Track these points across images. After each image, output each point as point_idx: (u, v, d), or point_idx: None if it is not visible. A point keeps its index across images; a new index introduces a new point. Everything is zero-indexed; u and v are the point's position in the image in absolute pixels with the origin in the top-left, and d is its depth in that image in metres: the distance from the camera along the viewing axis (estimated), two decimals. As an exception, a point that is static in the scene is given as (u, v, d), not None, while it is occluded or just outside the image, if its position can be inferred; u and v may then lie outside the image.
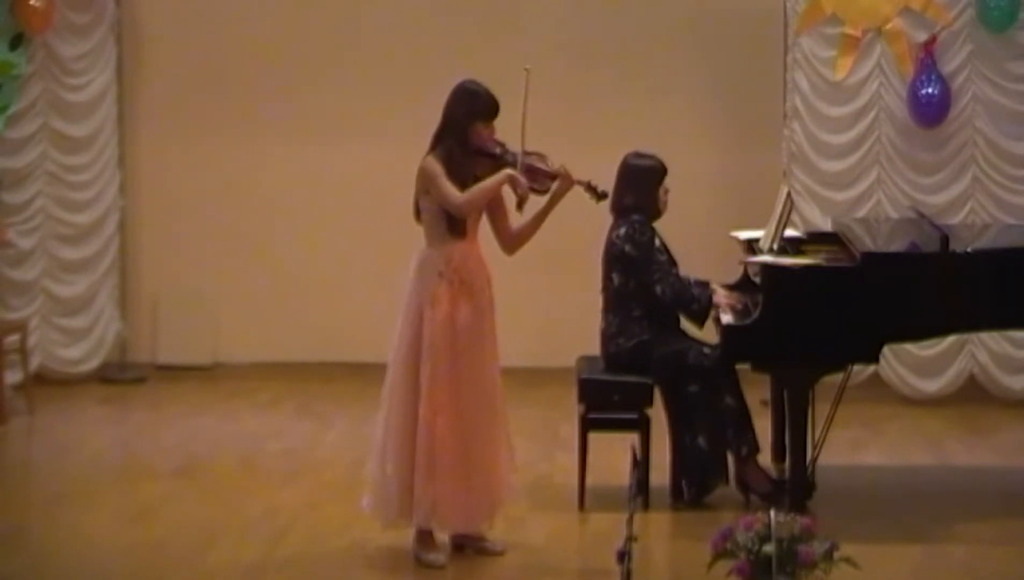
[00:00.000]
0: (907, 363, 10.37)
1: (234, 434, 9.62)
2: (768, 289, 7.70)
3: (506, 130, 7.27)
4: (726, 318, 7.90)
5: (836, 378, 8.10)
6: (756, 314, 7.71)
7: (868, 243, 8.29)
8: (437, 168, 7.11)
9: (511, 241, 7.32)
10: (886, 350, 7.94)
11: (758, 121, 10.72)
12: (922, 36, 10.23)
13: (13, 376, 10.09)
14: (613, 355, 8.11)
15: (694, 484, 8.01)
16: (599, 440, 8.13)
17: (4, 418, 9.80)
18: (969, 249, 7.94)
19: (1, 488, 8.66)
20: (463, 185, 7.13)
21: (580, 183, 7.28)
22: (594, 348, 8.25)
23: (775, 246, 8.06)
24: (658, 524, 7.83)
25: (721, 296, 8.11)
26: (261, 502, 8.14)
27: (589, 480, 8.03)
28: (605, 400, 8.07)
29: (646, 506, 7.84)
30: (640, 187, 8.14)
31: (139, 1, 11.07)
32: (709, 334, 8.17)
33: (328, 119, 10.90)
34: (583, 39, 10.89)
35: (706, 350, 7.99)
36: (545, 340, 10.60)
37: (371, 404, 7.38)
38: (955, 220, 10.10)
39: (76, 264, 10.83)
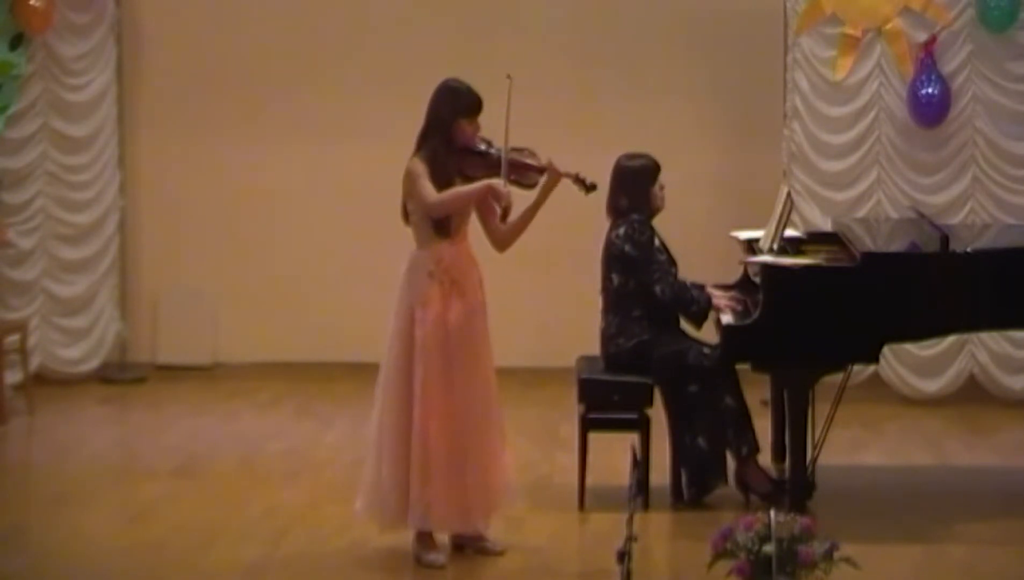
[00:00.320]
0: (907, 363, 10.37)
1: (234, 434, 9.62)
2: (768, 289, 7.70)
3: (499, 132, 7.24)
4: (726, 318, 7.90)
5: (836, 378, 8.10)
6: (756, 314, 7.71)
7: (868, 243, 8.29)
8: (420, 169, 7.10)
9: (502, 239, 7.29)
10: (886, 350, 7.94)
11: (758, 121, 10.72)
12: (922, 36, 10.23)
13: (13, 376, 10.09)
14: (613, 355, 8.11)
15: (694, 484, 8.00)
16: (599, 440, 8.13)
17: (4, 418, 9.81)
18: (969, 249, 7.94)
19: (1, 488, 8.65)
20: (448, 184, 7.12)
21: (568, 175, 7.26)
22: (594, 348, 8.25)
23: (775, 246, 8.06)
24: (658, 524, 7.83)
25: (720, 298, 8.11)
26: (261, 502, 8.14)
27: (589, 480, 8.03)
28: (605, 400, 8.07)
29: (646, 506, 7.84)
30: (634, 188, 8.14)
31: (139, 1, 11.07)
32: (709, 334, 8.17)
33: (328, 119, 10.90)
34: (583, 39, 10.90)
35: (706, 350, 7.99)
36: (545, 340, 10.61)
37: (371, 404, 7.37)
38: (955, 220, 10.10)
39: (76, 264, 10.84)
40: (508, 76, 7.03)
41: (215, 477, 8.69)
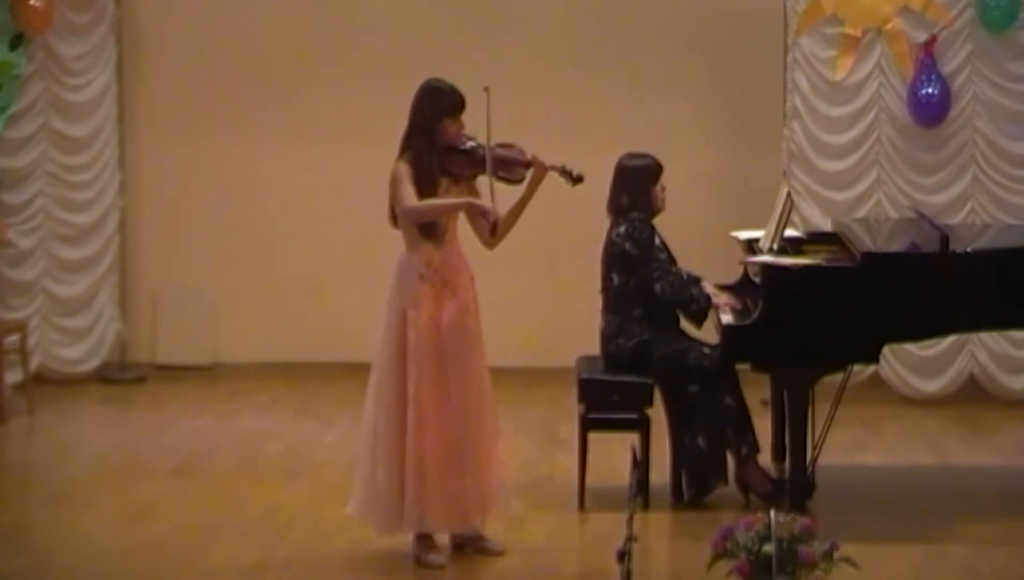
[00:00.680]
0: (907, 363, 10.37)
1: (234, 434, 9.62)
2: (768, 289, 7.70)
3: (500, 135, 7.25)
4: (726, 318, 7.91)
5: (836, 378, 8.10)
6: (756, 314, 7.71)
7: (868, 243, 8.29)
8: (404, 173, 7.09)
9: (491, 236, 7.29)
10: (886, 350, 7.94)
11: (758, 121, 10.72)
12: (922, 36, 10.23)
13: (13, 376, 10.09)
14: (613, 355, 8.11)
15: (694, 484, 8.00)
16: (599, 440, 8.12)
17: (4, 418, 9.81)
18: (969, 249, 7.94)
19: (1, 488, 8.66)
20: (434, 185, 7.11)
21: (554, 168, 7.24)
22: (594, 348, 8.25)
23: (775, 246, 8.06)
24: (658, 524, 7.83)
25: (720, 299, 8.12)
26: (261, 502, 8.14)
27: (589, 480, 8.03)
28: (605, 400, 8.07)
29: (646, 506, 7.84)
30: (635, 187, 8.14)
31: (139, 1, 11.07)
32: (709, 334, 8.17)
33: (328, 119, 10.90)
34: (583, 39, 10.89)
35: (706, 350, 7.99)
36: (545, 340, 10.61)
37: (370, 405, 7.38)
38: (955, 220, 10.10)
39: (76, 264, 10.83)
40: (486, 89, 7.02)
41: (215, 477, 8.69)
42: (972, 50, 10.26)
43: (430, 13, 10.90)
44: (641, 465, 7.74)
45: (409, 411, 7.07)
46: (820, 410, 8.03)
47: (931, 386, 10.42)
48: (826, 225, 9.59)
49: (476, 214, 7.14)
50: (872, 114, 10.38)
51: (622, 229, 8.08)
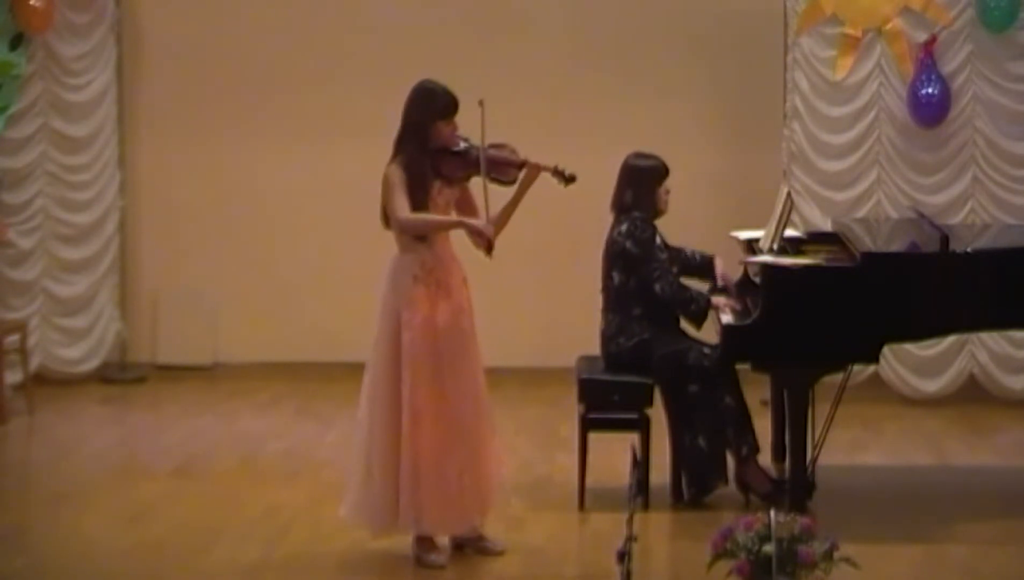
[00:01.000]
0: (907, 363, 10.37)
1: (234, 434, 9.62)
2: (768, 289, 7.70)
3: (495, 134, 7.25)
4: (726, 318, 7.91)
5: (836, 378, 8.10)
6: (756, 314, 7.71)
7: (868, 243, 8.29)
8: (396, 177, 7.08)
9: (487, 255, 7.26)
10: (886, 350, 7.94)
11: (758, 121, 10.72)
12: (922, 36, 10.22)
13: (13, 376, 10.09)
14: (614, 355, 8.11)
15: (694, 484, 8.00)
16: (599, 440, 8.12)
17: (4, 418, 9.81)
18: (969, 249, 7.94)
19: (1, 488, 8.66)
20: (427, 188, 7.11)
21: (546, 169, 7.24)
22: (594, 348, 8.25)
23: (775, 246, 8.06)
24: (658, 524, 7.83)
25: (720, 300, 8.12)
26: (261, 502, 8.14)
27: (589, 480, 8.03)
28: (605, 400, 8.07)
29: (646, 506, 7.84)
30: (640, 187, 8.14)
31: (139, 1, 11.07)
32: (709, 334, 8.17)
33: (328, 119, 10.90)
34: (583, 40, 10.89)
35: (706, 350, 7.99)
36: (545, 340, 10.61)
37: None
38: (955, 220, 10.10)
39: (76, 264, 10.83)
40: (480, 102, 7.02)
41: (215, 477, 8.69)
42: (972, 50, 10.26)
43: (430, 14, 10.90)
44: (641, 465, 7.74)
45: (404, 413, 7.06)
46: (820, 410, 8.03)
47: (931, 386, 10.42)
48: (826, 225, 9.59)
49: (475, 236, 7.13)
50: (872, 114, 10.38)
51: (624, 227, 8.09)
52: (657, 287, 8.01)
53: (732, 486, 8.03)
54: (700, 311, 8.03)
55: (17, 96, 10.42)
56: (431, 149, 7.13)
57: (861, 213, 10.27)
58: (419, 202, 7.10)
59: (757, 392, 8.76)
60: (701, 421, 7.96)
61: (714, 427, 7.96)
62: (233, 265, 11.05)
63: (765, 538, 5.95)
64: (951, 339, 10.02)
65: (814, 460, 8.02)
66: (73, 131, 10.76)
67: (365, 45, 10.91)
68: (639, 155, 8.24)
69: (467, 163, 7.16)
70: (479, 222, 7.12)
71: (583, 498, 8.01)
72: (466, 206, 7.31)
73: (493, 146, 7.19)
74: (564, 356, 8.93)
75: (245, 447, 9.29)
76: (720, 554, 6.06)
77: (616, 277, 8.09)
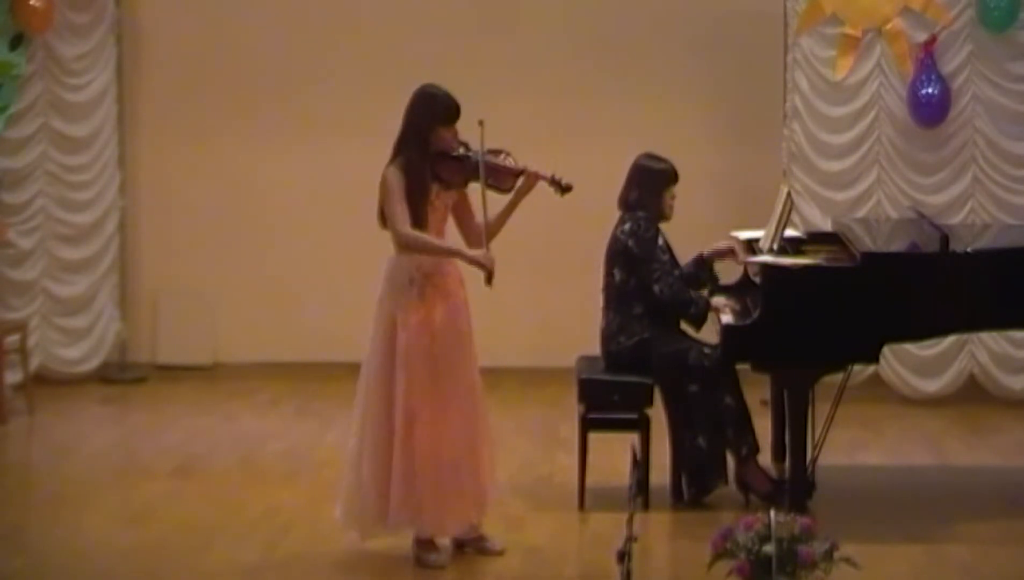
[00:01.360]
0: (907, 363, 10.37)
1: (234, 434, 9.62)
2: (768, 289, 7.70)
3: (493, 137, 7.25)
4: (726, 318, 7.91)
5: (836, 378, 8.10)
6: (756, 314, 7.71)
7: (868, 243, 8.29)
8: (395, 183, 7.08)
9: (478, 240, 7.27)
10: (886, 350, 7.94)
11: (758, 121, 10.72)
12: (922, 36, 10.22)
13: (13, 376, 10.09)
14: (614, 354, 8.10)
15: (694, 484, 8.00)
16: (599, 440, 8.12)
17: (4, 418, 9.81)
18: (969, 249, 7.94)
19: (1, 488, 8.65)
20: (425, 191, 7.10)
21: (543, 177, 7.25)
22: (594, 348, 8.25)
23: (775, 246, 8.06)
24: (658, 524, 7.83)
25: (720, 301, 8.12)
26: (261, 502, 8.14)
27: (589, 480, 8.03)
28: (605, 400, 8.07)
29: (646, 506, 7.84)
30: (646, 188, 8.14)
31: (139, 1, 11.07)
32: (710, 334, 8.17)
33: (328, 119, 10.90)
34: (583, 40, 10.89)
35: (707, 350, 7.98)
36: (545, 340, 10.61)
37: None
38: (955, 220, 10.10)
39: (76, 264, 10.83)
40: (480, 122, 7.03)
41: (215, 477, 8.69)
42: (972, 50, 10.26)
43: (430, 14, 10.89)
44: (641, 465, 7.74)
45: (397, 414, 7.06)
46: (820, 410, 8.03)
47: (931, 386, 10.42)
48: (826, 225, 9.59)
49: (476, 266, 7.12)
50: (872, 114, 10.38)
51: (627, 226, 8.09)
52: (656, 288, 8.01)
53: (732, 486, 8.03)
54: (699, 314, 8.03)
55: (17, 96, 10.42)
56: (431, 153, 7.14)
57: (861, 213, 10.27)
58: (417, 207, 7.10)
59: (757, 392, 8.76)
60: (701, 421, 7.96)
61: (714, 427, 7.96)
62: (233, 265, 11.05)
63: (765, 538, 5.95)
64: (951, 339, 10.02)
65: (814, 460, 8.02)
66: (73, 131, 10.76)
67: (365, 45, 10.91)
68: (650, 156, 8.24)
69: (466, 169, 7.17)
70: (478, 253, 7.13)
71: (583, 498, 8.01)
72: (464, 210, 7.32)
73: (492, 152, 7.20)
74: (564, 356, 8.93)
75: (245, 447, 9.29)
76: (720, 554, 6.06)
77: (618, 275, 8.09)
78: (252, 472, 8.78)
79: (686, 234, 8.51)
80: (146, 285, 11.16)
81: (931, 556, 7.32)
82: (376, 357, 7.16)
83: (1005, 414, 10.07)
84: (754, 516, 6.10)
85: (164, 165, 11.08)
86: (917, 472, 8.89)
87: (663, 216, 8.17)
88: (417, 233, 7.08)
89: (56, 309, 10.80)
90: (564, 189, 7.30)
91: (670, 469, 8.06)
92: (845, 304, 7.62)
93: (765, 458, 8.23)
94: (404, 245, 7.11)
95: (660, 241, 8.10)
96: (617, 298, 8.11)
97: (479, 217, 7.25)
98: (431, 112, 7.17)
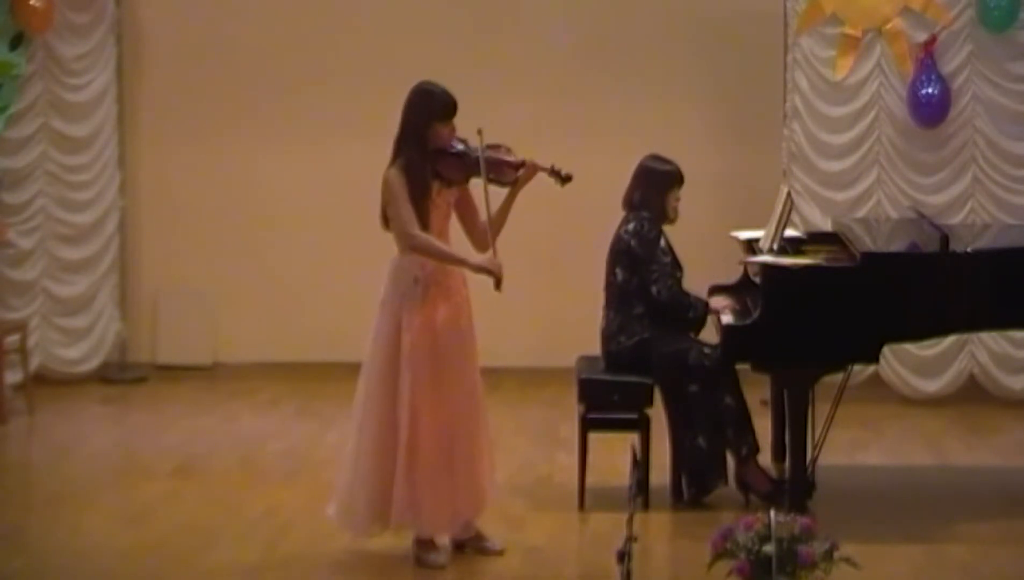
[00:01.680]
0: (907, 363, 10.37)
1: (234, 434, 9.62)
2: (768, 289, 7.70)
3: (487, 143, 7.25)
4: (726, 318, 7.91)
5: (836, 378, 8.10)
6: (756, 314, 7.71)
7: (868, 243, 8.29)
8: (398, 184, 7.06)
9: (482, 239, 7.28)
10: (886, 350, 7.94)
11: (758, 121, 10.72)
12: (922, 36, 10.22)
13: (13, 376, 10.09)
14: (614, 353, 8.10)
15: (694, 484, 8.01)
16: (599, 440, 8.12)
17: (4, 418, 9.81)
18: (969, 249, 7.94)
19: (1, 488, 8.65)
20: (426, 189, 7.10)
21: (543, 169, 7.26)
22: (594, 348, 8.25)
23: (775, 246, 8.06)
24: (658, 524, 7.83)
25: (719, 302, 8.12)
26: (261, 502, 8.14)
27: (589, 480, 8.03)
28: (605, 400, 8.07)
29: (646, 506, 7.84)
30: (649, 188, 8.14)
31: (139, 1, 11.07)
32: (710, 334, 8.17)
33: (328, 119, 10.90)
34: (583, 39, 10.89)
35: (707, 350, 7.98)
36: (545, 340, 10.61)
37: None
38: (955, 220, 10.10)
39: (76, 264, 10.83)
40: (479, 131, 7.03)
41: (215, 477, 8.69)
42: (972, 50, 10.26)
43: (430, 13, 10.89)
44: (641, 465, 7.74)
45: (401, 414, 7.06)
46: (820, 410, 8.03)
47: (931, 386, 10.41)
48: (826, 225, 9.59)
49: (484, 274, 7.11)
50: (872, 114, 10.38)
51: (631, 226, 8.09)
52: (654, 289, 8.01)
53: (732, 486, 8.03)
54: (697, 317, 8.04)
55: (17, 96, 10.42)
56: (430, 151, 7.13)
57: (861, 213, 10.27)
58: (421, 206, 7.10)
59: (757, 392, 8.76)
60: (701, 421, 7.96)
61: (714, 427, 7.96)
62: (233, 265, 11.05)
63: (765, 538, 5.95)
64: (951, 339, 10.02)
65: (814, 460, 8.02)
66: (73, 131, 10.76)
67: (365, 45, 10.91)
68: (656, 158, 8.24)
69: (465, 165, 7.17)
70: (485, 260, 7.13)
71: (583, 498, 8.01)
72: (466, 207, 7.31)
73: (490, 147, 7.20)
74: (564, 356, 8.93)
75: (245, 447, 9.29)
76: (720, 554, 6.06)
77: (619, 274, 8.09)
78: (252, 472, 8.78)
79: (686, 234, 8.51)
80: (146, 285, 11.16)
81: (931, 556, 7.32)
82: (378, 358, 7.15)
83: (1005, 414, 10.07)
84: (754, 516, 6.10)
85: (164, 165, 11.08)
86: (917, 472, 8.89)
87: (666, 218, 8.17)
88: (426, 237, 7.08)
89: (56, 309, 10.80)
90: (564, 179, 7.31)
91: (670, 469, 8.06)
92: (845, 304, 7.62)
93: (765, 458, 8.23)
94: (412, 248, 7.10)
95: (662, 243, 8.10)
96: (618, 297, 8.11)
97: (482, 214, 7.25)
98: (428, 108, 7.17)
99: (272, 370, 10.94)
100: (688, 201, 8.29)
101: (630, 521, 5.63)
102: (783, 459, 8.37)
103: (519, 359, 10.43)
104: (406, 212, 7.06)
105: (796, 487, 7.71)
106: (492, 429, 7.48)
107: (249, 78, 10.97)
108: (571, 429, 8.44)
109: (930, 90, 10.15)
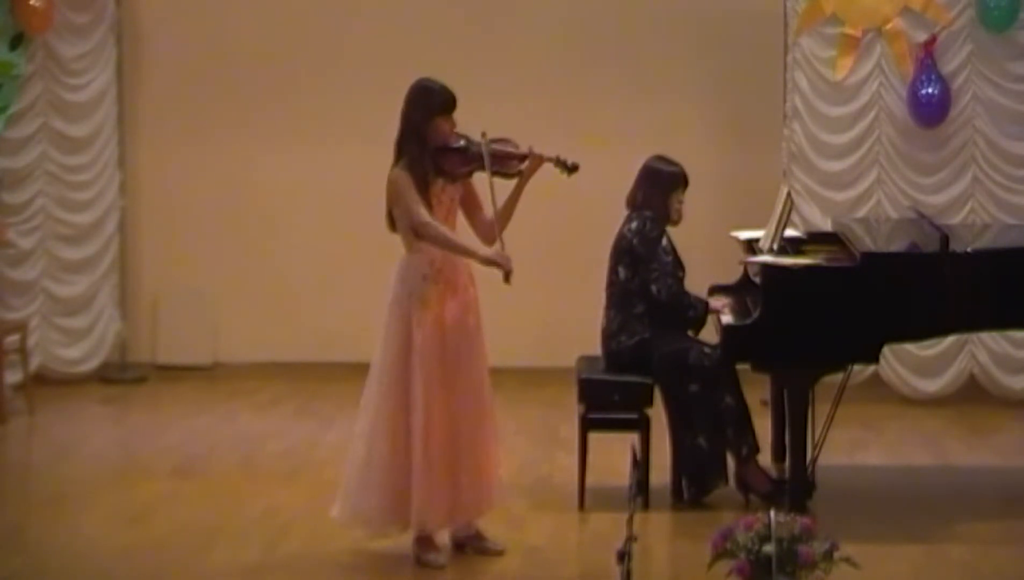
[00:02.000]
0: (907, 363, 10.37)
1: (234, 434, 9.62)
2: (768, 289, 7.70)
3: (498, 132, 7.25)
4: (727, 318, 7.91)
5: (836, 378, 8.10)
6: (756, 314, 7.71)
7: (868, 243, 8.29)
8: (404, 181, 7.07)
9: (488, 232, 7.27)
10: (886, 350, 7.94)
11: (758, 121, 10.71)
12: (922, 36, 10.22)
13: (13, 376, 10.09)
14: (615, 353, 8.10)
15: (694, 484, 8.01)
16: (599, 440, 8.12)
17: (4, 418, 9.81)
18: (969, 249, 7.94)
19: (1, 488, 8.66)
20: (429, 186, 7.10)
21: (549, 159, 7.25)
22: (594, 348, 8.25)
23: (775, 246, 8.06)
24: (658, 524, 7.83)
25: (719, 303, 8.12)
26: (261, 502, 8.14)
27: (589, 480, 8.03)
28: (605, 400, 8.07)
29: (646, 506, 7.84)
30: (652, 189, 8.14)
31: (139, 1, 11.07)
32: (710, 334, 8.17)
33: (328, 119, 10.90)
34: (584, 39, 10.89)
35: (707, 350, 7.98)
36: (545, 340, 10.61)
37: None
38: (955, 220, 10.10)
39: (76, 264, 10.83)
40: (483, 134, 7.03)
41: (215, 477, 8.69)
42: (972, 50, 10.26)
43: (430, 13, 10.89)
44: (641, 465, 7.74)
45: (417, 413, 7.05)
46: (820, 410, 8.03)
47: (931, 386, 10.41)
48: (826, 225, 9.59)
49: (494, 266, 7.11)
50: (872, 114, 10.38)
51: (633, 225, 8.09)
52: (654, 289, 8.01)
53: (732, 486, 8.03)
54: (697, 317, 8.04)
55: (17, 96, 10.42)
56: (431, 147, 7.13)
57: (861, 213, 10.27)
58: (425, 203, 7.09)
59: (757, 392, 8.76)
60: (701, 421, 7.96)
61: (714, 427, 7.96)
62: (233, 265, 11.05)
63: (765, 538, 5.94)
64: (951, 339, 10.02)
65: (814, 460, 8.02)
66: (73, 131, 10.76)
67: (365, 45, 10.91)
68: (660, 159, 8.24)
69: (469, 159, 7.16)
70: (494, 253, 7.12)
71: (583, 498, 8.01)
72: (471, 202, 7.31)
73: (494, 140, 7.19)
74: (564, 356, 8.93)
75: (245, 447, 9.28)
76: (720, 554, 6.06)
77: (621, 273, 8.10)
78: (252, 472, 8.78)
79: (686, 234, 8.51)
80: (146, 285, 11.16)
81: (931, 556, 7.32)
82: (390, 357, 7.13)
83: (1005, 414, 10.07)
84: (754, 516, 6.09)
85: (164, 165, 11.08)
86: (917, 472, 8.89)
87: (669, 219, 8.16)
88: (437, 224, 7.07)
89: (56, 309, 10.80)
90: (570, 169, 7.30)
91: (670, 469, 8.06)
92: (845, 304, 7.62)
93: (765, 458, 8.23)
94: (422, 236, 7.08)
95: (664, 242, 8.10)
96: (620, 296, 8.11)
97: (487, 209, 7.24)
98: (427, 104, 7.16)
99: (272, 370, 10.94)
100: (688, 201, 8.30)
101: (630, 521, 5.62)
102: (783, 459, 8.37)
103: (519, 359, 10.43)
104: (414, 203, 7.04)
105: (796, 487, 7.71)
106: (499, 429, 7.47)
107: (249, 78, 10.97)
108: (571, 429, 8.44)
109: (930, 90, 10.15)
